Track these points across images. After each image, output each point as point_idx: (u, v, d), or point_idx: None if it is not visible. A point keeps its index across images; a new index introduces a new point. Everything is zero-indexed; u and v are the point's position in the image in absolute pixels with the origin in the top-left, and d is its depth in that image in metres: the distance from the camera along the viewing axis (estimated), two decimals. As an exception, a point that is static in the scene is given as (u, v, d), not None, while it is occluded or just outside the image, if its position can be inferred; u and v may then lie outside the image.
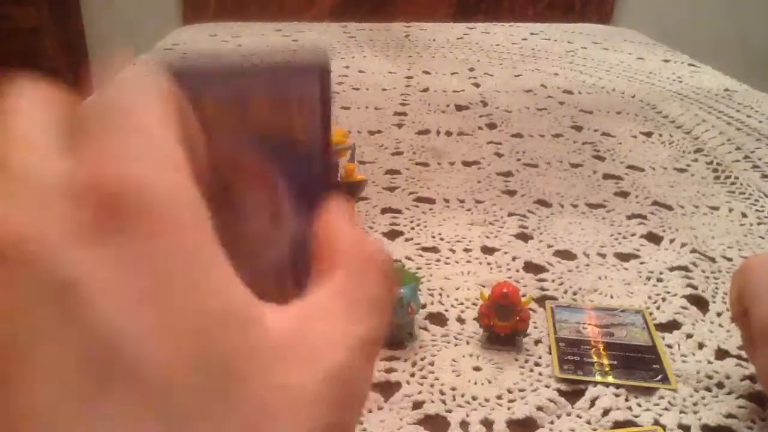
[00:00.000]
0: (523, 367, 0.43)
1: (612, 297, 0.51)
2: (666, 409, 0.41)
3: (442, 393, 0.41)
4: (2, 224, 0.13)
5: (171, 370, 0.13)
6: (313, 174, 0.21)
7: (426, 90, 0.97)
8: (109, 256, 0.13)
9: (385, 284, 0.18)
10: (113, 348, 0.12)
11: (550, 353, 0.44)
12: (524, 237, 0.59)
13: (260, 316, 0.14)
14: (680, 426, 0.39)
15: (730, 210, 0.65)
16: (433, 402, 0.40)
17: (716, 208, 0.65)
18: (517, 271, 0.54)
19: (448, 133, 0.82)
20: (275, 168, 0.21)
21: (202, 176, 0.20)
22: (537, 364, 0.44)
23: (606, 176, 0.72)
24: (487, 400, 0.41)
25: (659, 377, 0.43)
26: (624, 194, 0.68)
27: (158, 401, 0.12)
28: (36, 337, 0.12)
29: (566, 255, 0.57)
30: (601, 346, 0.45)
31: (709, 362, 0.45)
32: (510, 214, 0.63)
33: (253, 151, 0.21)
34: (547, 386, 0.42)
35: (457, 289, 0.51)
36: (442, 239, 0.58)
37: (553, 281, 0.53)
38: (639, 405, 0.41)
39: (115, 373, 0.12)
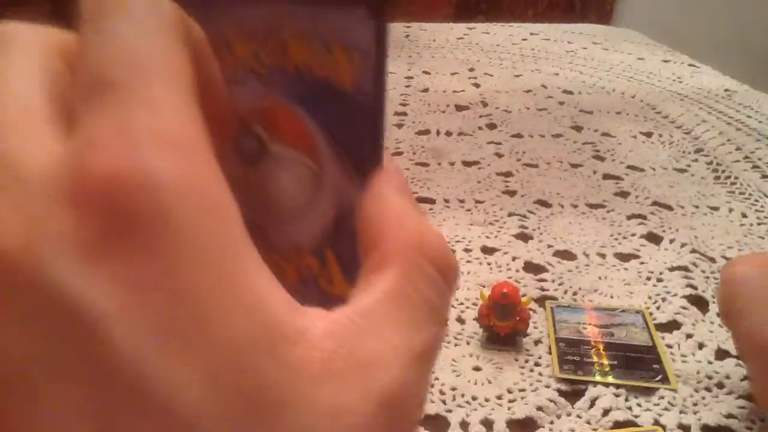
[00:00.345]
0: (523, 367, 0.43)
1: (612, 297, 0.51)
2: (666, 409, 0.41)
3: (442, 393, 0.41)
4: None
5: (207, 406, 0.11)
6: (361, 137, 0.16)
7: (426, 90, 0.97)
8: (121, 274, 0.11)
9: (445, 285, 0.15)
10: (140, 386, 0.10)
11: (550, 353, 0.44)
12: (524, 237, 0.59)
13: (302, 329, 0.12)
14: (680, 426, 0.39)
15: (730, 210, 0.65)
16: (433, 402, 0.40)
17: (716, 208, 0.65)
18: (517, 271, 0.54)
19: (448, 133, 0.82)
20: (317, 123, 0.17)
21: (224, 131, 0.16)
22: (537, 364, 0.44)
23: (606, 176, 0.72)
24: (487, 400, 0.41)
25: (659, 377, 0.43)
26: (624, 194, 0.68)
27: None
28: (48, 374, 0.10)
29: (566, 255, 0.57)
30: (601, 346, 0.45)
31: (709, 362, 0.45)
32: (510, 214, 0.63)
33: (289, 99, 0.17)
34: (547, 386, 0.42)
35: (457, 289, 0.51)
36: (442, 239, 0.58)
37: (553, 281, 0.53)
38: (639, 405, 0.41)
39: (144, 413, 0.10)
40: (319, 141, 0.17)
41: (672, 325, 0.48)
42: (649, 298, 0.51)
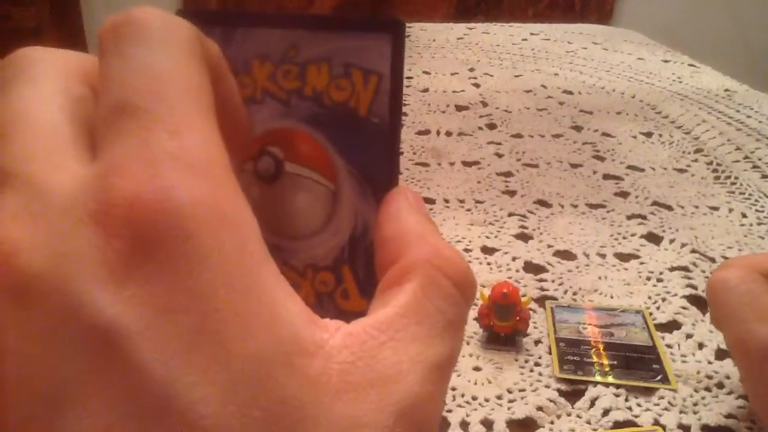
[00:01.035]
0: (523, 367, 0.43)
1: (612, 297, 0.51)
2: (666, 409, 0.41)
3: (442, 393, 0.41)
4: (20, 253, 0.11)
5: (226, 418, 0.11)
6: (376, 157, 0.17)
7: (426, 90, 0.97)
8: (146, 295, 0.11)
9: (462, 300, 0.15)
10: (167, 400, 0.11)
11: (550, 353, 0.44)
12: (524, 237, 0.59)
13: (320, 341, 0.12)
14: (680, 426, 0.39)
15: (730, 210, 0.65)
16: (433, 402, 0.40)
17: (716, 208, 0.65)
18: (517, 271, 0.54)
19: (448, 133, 0.82)
20: (332, 144, 0.18)
21: (241, 150, 0.17)
22: (537, 364, 0.44)
23: (606, 176, 0.72)
24: (487, 400, 0.41)
25: (659, 377, 0.43)
26: (624, 194, 0.68)
27: None
28: (77, 393, 0.11)
29: (566, 255, 0.57)
30: (601, 346, 0.45)
31: (709, 362, 0.45)
32: (510, 214, 0.63)
33: (306, 120, 0.17)
34: (547, 386, 0.42)
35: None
36: (442, 239, 0.58)
37: (553, 281, 0.53)
38: (639, 405, 0.41)
39: (171, 426, 0.11)
40: (335, 161, 0.17)
41: (672, 325, 0.48)
42: (649, 298, 0.51)
